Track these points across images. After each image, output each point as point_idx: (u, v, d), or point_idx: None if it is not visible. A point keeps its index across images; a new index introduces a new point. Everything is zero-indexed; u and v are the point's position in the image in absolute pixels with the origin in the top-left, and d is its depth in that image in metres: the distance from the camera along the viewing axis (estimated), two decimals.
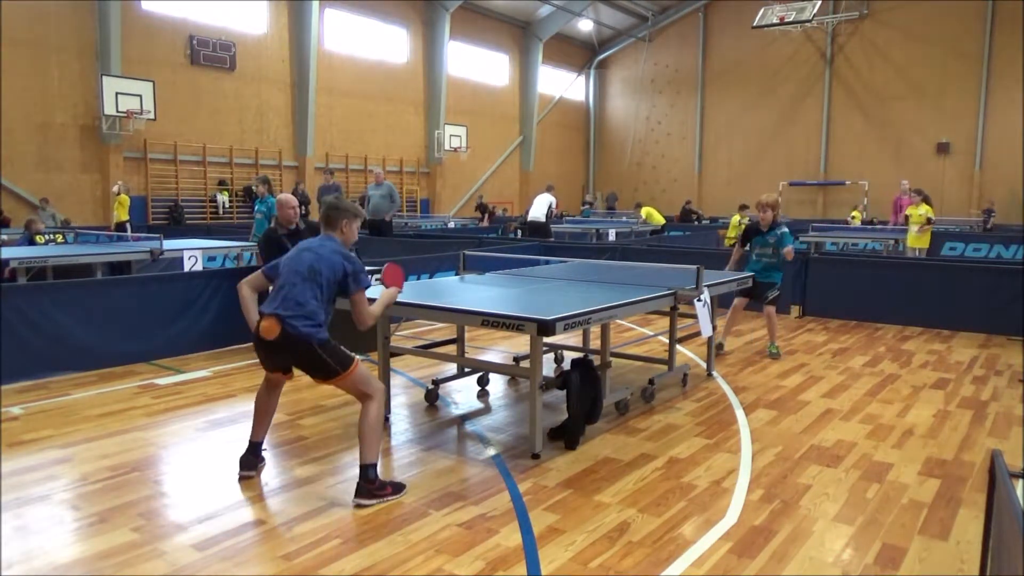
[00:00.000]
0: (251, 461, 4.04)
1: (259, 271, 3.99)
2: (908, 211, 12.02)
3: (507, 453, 4.46)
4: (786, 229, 7.17)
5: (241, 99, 19.19)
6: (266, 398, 4.07)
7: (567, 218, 22.47)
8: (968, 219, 22.67)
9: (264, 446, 4.16)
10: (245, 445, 4.09)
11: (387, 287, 4.17)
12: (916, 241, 11.54)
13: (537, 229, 14.45)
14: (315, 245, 3.88)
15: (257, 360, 4.01)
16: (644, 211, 18.70)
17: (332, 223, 3.96)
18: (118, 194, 14.65)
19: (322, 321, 3.75)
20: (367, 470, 3.72)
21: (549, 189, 15.08)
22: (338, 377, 3.73)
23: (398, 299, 4.39)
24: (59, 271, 8.43)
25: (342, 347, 3.80)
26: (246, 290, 3.95)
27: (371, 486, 3.72)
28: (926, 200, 11.58)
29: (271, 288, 3.88)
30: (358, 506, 3.65)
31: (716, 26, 29.38)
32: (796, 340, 8.06)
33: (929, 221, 11.45)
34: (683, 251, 11.42)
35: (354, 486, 3.76)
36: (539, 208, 14.60)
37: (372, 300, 3.99)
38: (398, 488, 3.83)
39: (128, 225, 14.32)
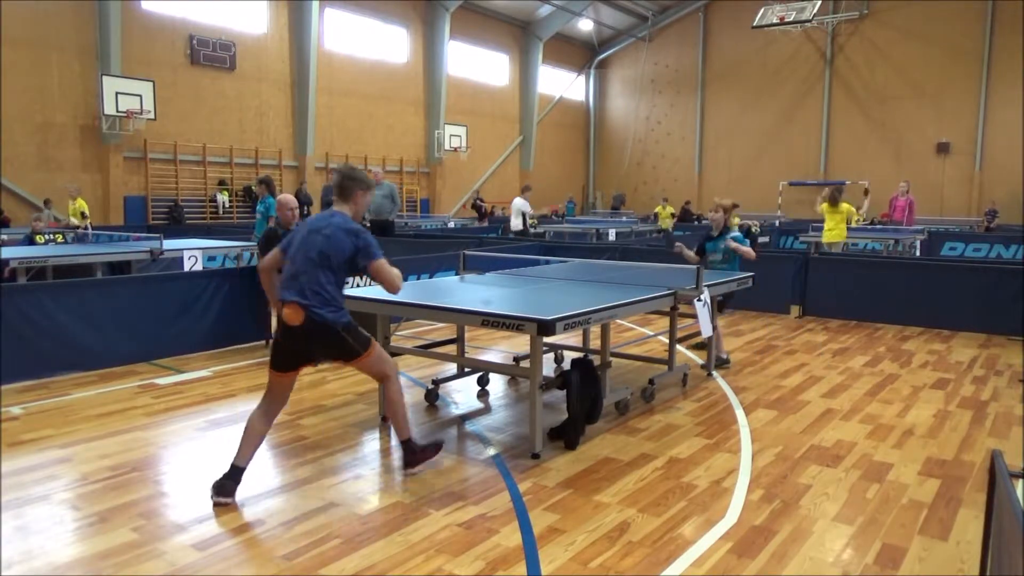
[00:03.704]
0: (229, 487, 3.67)
1: (276, 249, 3.93)
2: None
3: (507, 453, 4.46)
4: (736, 232, 6.82)
5: (241, 99, 19.20)
6: (259, 421, 3.81)
7: (568, 218, 22.46)
8: (968, 219, 22.69)
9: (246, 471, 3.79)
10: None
11: None
12: (825, 236, 11.37)
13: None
14: (323, 225, 3.76)
15: (261, 360, 3.99)
16: (669, 210, 19.83)
17: (346, 193, 3.87)
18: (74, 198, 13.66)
19: (342, 304, 3.78)
20: (406, 444, 4.08)
21: (523, 192, 14.54)
22: (359, 358, 3.83)
23: (398, 299, 4.44)
24: (59, 271, 8.43)
25: (361, 329, 3.86)
26: (270, 274, 3.96)
27: (414, 456, 4.08)
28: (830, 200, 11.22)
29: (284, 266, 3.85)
30: (410, 475, 4.04)
31: (716, 26, 29.38)
32: (796, 340, 8.06)
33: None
34: None
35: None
36: (515, 219, 14.23)
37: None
38: (437, 446, 4.22)
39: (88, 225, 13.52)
